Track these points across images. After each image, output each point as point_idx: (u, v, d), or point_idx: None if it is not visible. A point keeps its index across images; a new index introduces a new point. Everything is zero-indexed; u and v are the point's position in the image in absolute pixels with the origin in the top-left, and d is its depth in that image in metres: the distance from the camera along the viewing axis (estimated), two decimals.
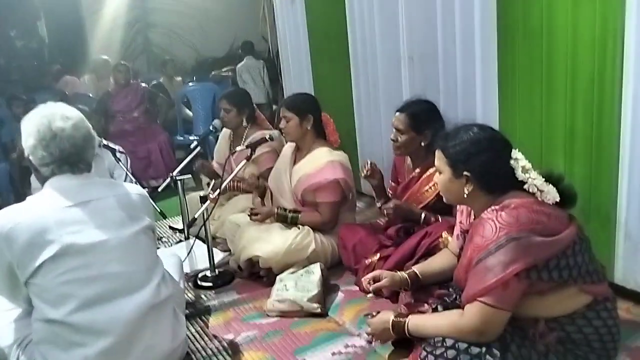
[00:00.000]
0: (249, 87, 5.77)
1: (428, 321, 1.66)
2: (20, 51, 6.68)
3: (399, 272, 2.00)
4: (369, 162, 2.53)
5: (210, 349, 2.05)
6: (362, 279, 2.04)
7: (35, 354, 1.67)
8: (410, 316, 1.70)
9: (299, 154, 2.83)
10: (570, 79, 2.15)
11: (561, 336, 1.53)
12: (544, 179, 1.58)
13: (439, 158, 1.70)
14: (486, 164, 1.61)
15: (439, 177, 1.72)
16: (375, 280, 1.97)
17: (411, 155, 2.47)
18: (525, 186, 1.58)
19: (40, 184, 1.73)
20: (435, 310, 1.77)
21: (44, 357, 1.64)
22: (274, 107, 5.59)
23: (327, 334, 2.07)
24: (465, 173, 1.62)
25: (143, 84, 5.20)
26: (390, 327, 1.71)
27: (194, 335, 2.15)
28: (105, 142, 3.28)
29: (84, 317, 1.60)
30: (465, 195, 1.64)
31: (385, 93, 3.33)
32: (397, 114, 2.40)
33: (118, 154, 3.28)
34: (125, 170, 3.27)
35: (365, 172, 2.51)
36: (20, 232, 1.58)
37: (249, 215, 2.75)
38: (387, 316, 1.75)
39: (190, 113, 5.69)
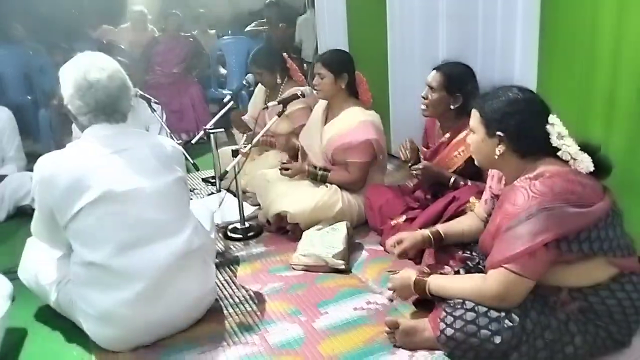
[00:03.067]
0: (305, 44, 5.43)
1: (450, 282, 1.67)
2: None
3: (421, 230, 2.02)
4: (407, 141, 2.51)
5: (238, 297, 2.13)
6: (387, 242, 2.06)
7: (74, 294, 1.78)
8: (432, 276, 1.73)
9: (330, 112, 2.82)
10: (615, 45, 2.05)
11: (583, 306, 1.54)
12: (579, 148, 1.55)
13: (474, 116, 1.68)
14: (520, 125, 1.58)
15: (472, 136, 1.70)
16: (399, 243, 1.99)
17: (440, 119, 2.44)
18: (559, 153, 1.55)
19: (81, 131, 1.80)
20: (457, 273, 1.79)
21: (82, 298, 1.74)
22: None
23: (350, 290, 2.12)
24: (498, 133, 1.60)
25: (191, 39, 5.20)
26: (412, 285, 1.74)
27: (222, 284, 2.23)
28: (140, 92, 3.34)
29: (120, 260, 1.68)
30: (496, 157, 1.62)
31: (421, 52, 3.24)
32: (433, 72, 2.38)
33: (153, 104, 3.34)
34: (160, 120, 3.34)
35: (403, 156, 2.50)
36: (61, 178, 1.66)
37: (280, 169, 2.79)
38: (409, 273, 1.77)
39: (223, 70, 5.67)
